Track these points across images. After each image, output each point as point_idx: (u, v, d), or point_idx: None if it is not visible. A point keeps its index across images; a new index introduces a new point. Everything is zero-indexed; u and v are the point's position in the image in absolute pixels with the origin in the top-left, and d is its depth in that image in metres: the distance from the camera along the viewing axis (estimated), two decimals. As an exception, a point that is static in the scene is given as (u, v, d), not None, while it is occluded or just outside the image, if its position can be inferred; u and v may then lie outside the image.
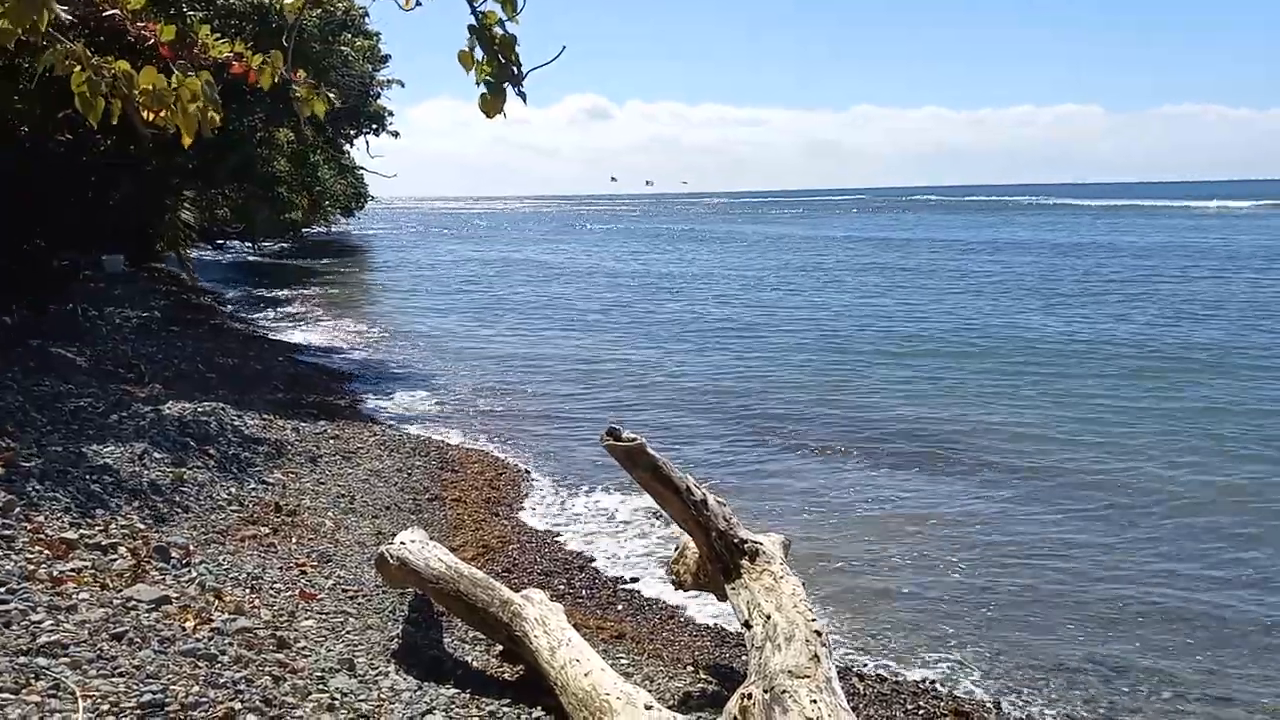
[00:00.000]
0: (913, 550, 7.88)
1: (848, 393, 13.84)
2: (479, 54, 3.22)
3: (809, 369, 15.71)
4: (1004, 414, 12.43)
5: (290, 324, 21.06)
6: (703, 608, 6.58)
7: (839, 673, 4.53)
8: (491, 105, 3.23)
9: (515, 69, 3.24)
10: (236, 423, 9.28)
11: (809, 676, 4.12)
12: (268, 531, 6.75)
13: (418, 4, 3.21)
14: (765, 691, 4.07)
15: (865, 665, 5.92)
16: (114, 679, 3.87)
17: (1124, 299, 24.51)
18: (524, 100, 3.32)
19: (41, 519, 5.58)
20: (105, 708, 3.63)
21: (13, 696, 3.54)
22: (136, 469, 7.05)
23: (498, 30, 3.19)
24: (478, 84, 3.20)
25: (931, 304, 24.33)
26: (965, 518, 8.61)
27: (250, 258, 38.07)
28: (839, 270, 35.13)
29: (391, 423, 11.64)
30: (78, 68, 3.48)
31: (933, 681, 5.75)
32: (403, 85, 28.67)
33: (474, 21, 3.20)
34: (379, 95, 27.03)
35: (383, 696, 4.43)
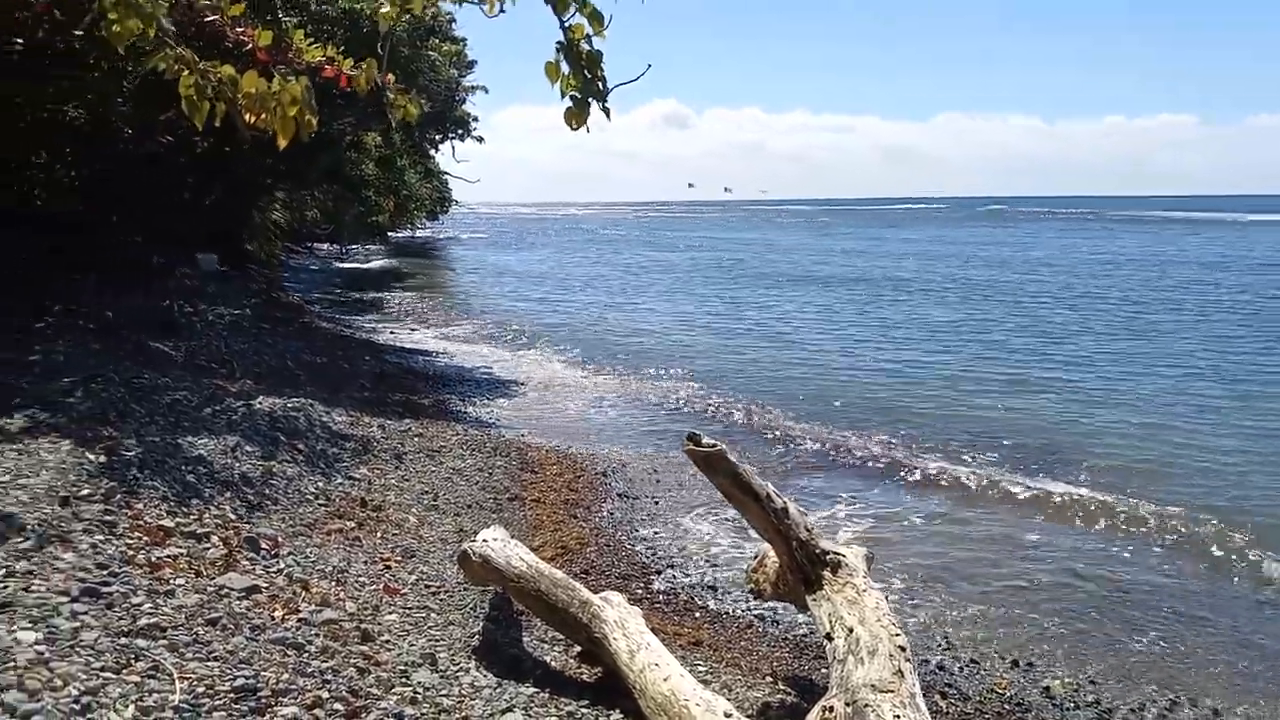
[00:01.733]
0: (1010, 574, 7.69)
1: (959, 412, 13.55)
2: (565, 68, 3.25)
3: (921, 389, 15.28)
4: (1131, 439, 12.06)
5: (377, 325, 21.47)
6: (781, 618, 6.52)
7: (922, 689, 4.44)
8: (576, 118, 3.26)
9: (600, 84, 3.27)
10: (324, 419, 9.48)
11: (893, 691, 4.05)
12: (353, 525, 6.88)
13: (501, 10, 3.25)
14: (847, 705, 4.01)
15: (949, 684, 5.79)
16: (209, 663, 3.98)
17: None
18: (608, 115, 3.34)
19: (141, 506, 5.76)
20: (200, 690, 3.73)
21: (114, 676, 3.66)
22: (229, 461, 7.25)
23: (584, 46, 3.22)
24: (562, 97, 3.23)
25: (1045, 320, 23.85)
26: (1075, 549, 8.32)
27: (337, 264, 38.90)
28: (936, 281, 34.63)
29: (473, 423, 11.78)
30: (185, 71, 3.60)
31: (1019, 704, 5.60)
32: (486, 91, 29.12)
33: (562, 37, 3.23)
34: (464, 100, 27.50)
35: (464, 693, 4.48)
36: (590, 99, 3.36)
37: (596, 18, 3.22)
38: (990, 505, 9.41)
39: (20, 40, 9.15)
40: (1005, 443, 11.65)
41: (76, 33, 10.17)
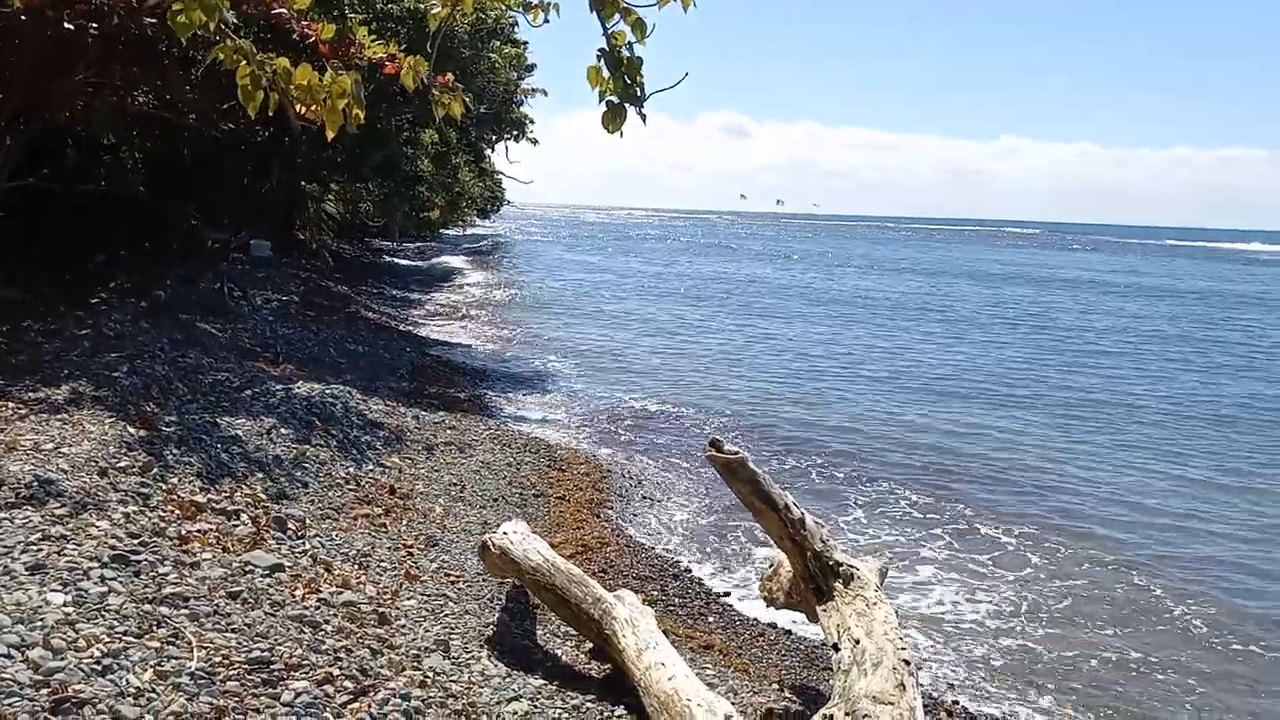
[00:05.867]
0: (1016, 596, 7.70)
1: (972, 439, 13.48)
2: (606, 72, 3.34)
3: (955, 416, 15.11)
4: (1131, 473, 11.97)
5: (422, 318, 21.73)
6: (794, 627, 6.55)
7: (926, 705, 4.47)
8: (612, 121, 3.35)
9: (639, 90, 3.36)
10: (361, 407, 9.66)
11: (892, 704, 4.09)
12: (380, 512, 7.02)
13: (545, 21, 3.36)
14: (847, 714, 4.05)
15: (953, 701, 5.79)
16: (227, 634, 4.12)
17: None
18: (644, 120, 3.43)
19: (175, 481, 5.96)
20: (217, 660, 3.87)
21: (135, 640, 3.81)
22: (263, 443, 7.43)
23: (625, 52, 3.31)
24: (600, 101, 3.33)
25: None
26: (1073, 570, 8.33)
27: (387, 257, 39.41)
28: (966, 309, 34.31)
29: (507, 419, 11.93)
30: (243, 62, 3.76)
31: (1022, 726, 5.60)
32: (546, 94, 29.28)
33: (604, 44, 3.33)
34: (522, 103, 27.71)
35: (473, 680, 4.58)
36: (627, 104, 3.46)
37: (640, 26, 3.31)
38: (1024, 537, 9.35)
39: (96, 26, 9.44)
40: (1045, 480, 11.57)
41: (149, 20, 10.50)
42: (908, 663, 4.43)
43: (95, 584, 4.15)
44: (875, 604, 4.94)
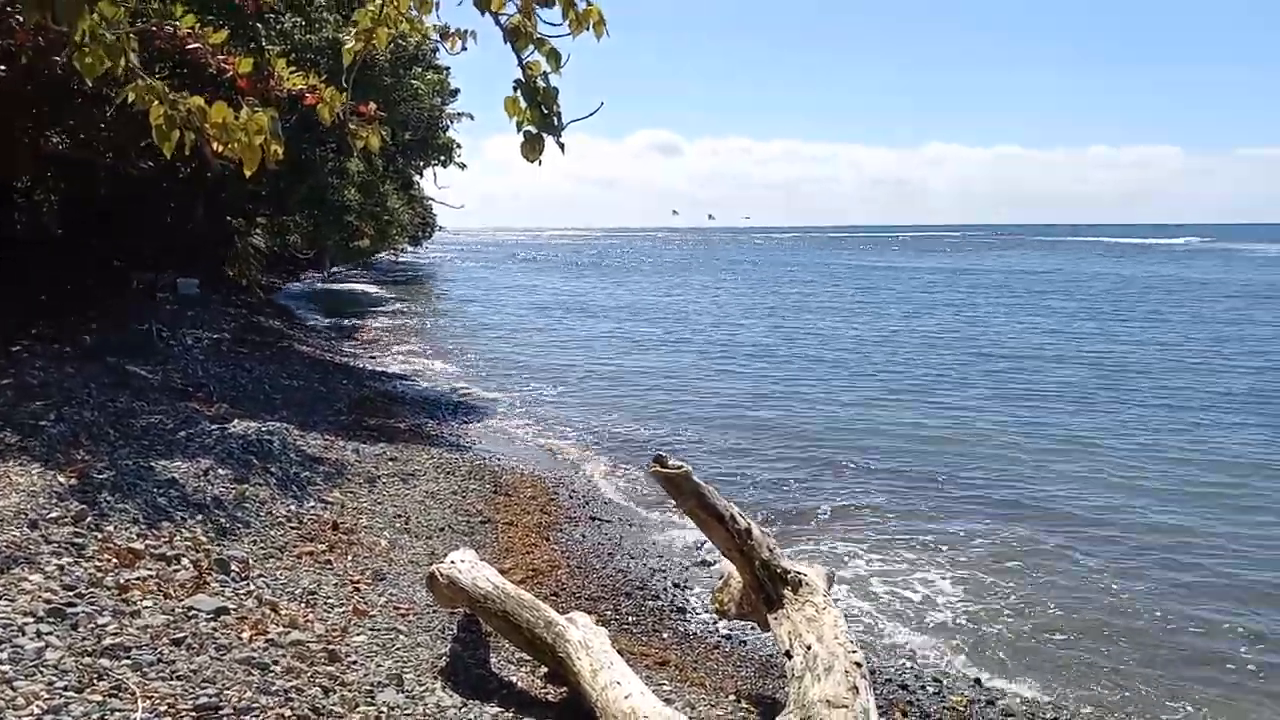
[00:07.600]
0: (965, 588, 7.84)
1: (917, 430, 13.75)
2: (523, 103, 3.37)
3: (899, 408, 15.53)
4: (1085, 460, 12.30)
5: (356, 349, 21.46)
6: (748, 638, 6.59)
7: (881, 706, 4.53)
8: (531, 151, 3.38)
9: (555, 119, 3.39)
10: (299, 443, 9.51)
11: (846, 707, 4.14)
12: (324, 548, 6.92)
13: (463, 48, 3.38)
14: (802, 720, 4.10)
15: (910, 702, 5.87)
16: (172, 681, 4.03)
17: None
18: (562, 150, 3.47)
19: (111, 529, 5.81)
20: (163, 709, 3.79)
21: (76, 695, 3.72)
22: (201, 484, 7.28)
23: (540, 83, 3.35)
24: (518, 131, 3.36)
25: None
26: (1023, 562, 8.52)
27: (320, 286, 38.91)
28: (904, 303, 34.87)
29: (449, 447, 11.82)
30: (156, 102, 3.71)
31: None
32: (472, 118, 29.18)
33: (519, 75, 3.36)
34: (448, 128, 27.59)
35: (428, 712, 4.53)
36: (545, 133, 3.48)
37: (554, 56, 3.34)
38: (964, 528, 9.52)
39: (4, 66, 9.20)
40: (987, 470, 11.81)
41: (57, 59, 10.26)
42: (859, 665, 4.49)
43: (31, 639, 4.03)
44: (824, 609, 5.00)
